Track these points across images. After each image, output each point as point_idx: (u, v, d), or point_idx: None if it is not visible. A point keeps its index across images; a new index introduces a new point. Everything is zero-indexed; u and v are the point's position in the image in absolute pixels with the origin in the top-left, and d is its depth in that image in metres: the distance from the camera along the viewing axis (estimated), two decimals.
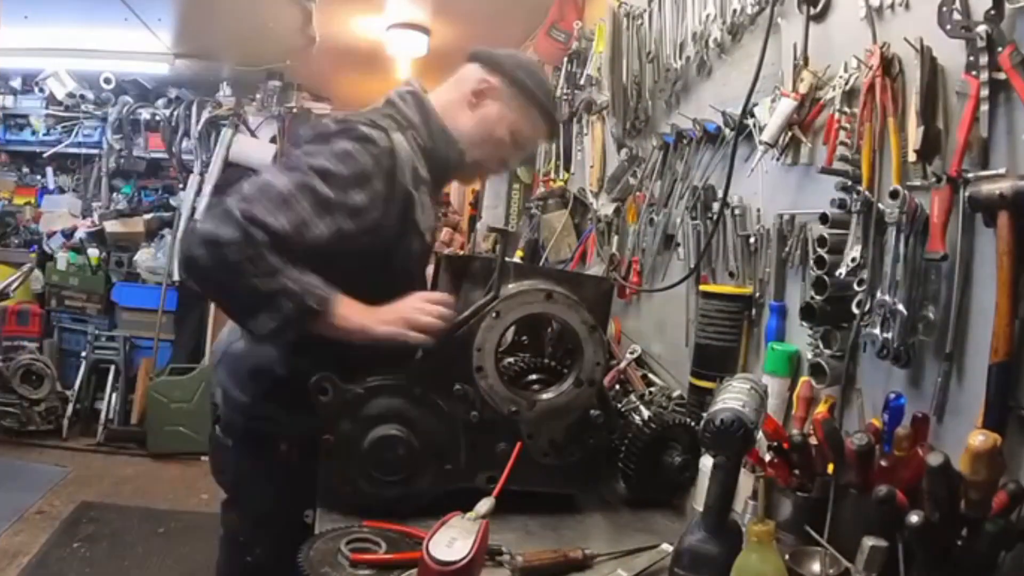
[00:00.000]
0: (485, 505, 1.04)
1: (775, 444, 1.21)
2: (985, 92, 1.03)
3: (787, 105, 1.46)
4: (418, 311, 1.28)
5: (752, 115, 1.61)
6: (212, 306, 4.92)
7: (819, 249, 1.31)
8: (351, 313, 1.26)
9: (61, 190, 5.41)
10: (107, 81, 5.07)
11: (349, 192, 1.28)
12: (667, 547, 1.18)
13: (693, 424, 1.44)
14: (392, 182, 1.32)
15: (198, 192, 4.87)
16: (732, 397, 1.06)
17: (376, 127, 1.34)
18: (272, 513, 1.46)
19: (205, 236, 1.21)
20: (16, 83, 5.12)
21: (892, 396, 1.16)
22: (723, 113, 1.77)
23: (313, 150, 1.31)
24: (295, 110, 5.07)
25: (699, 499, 1.30)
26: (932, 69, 1.14)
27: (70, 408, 4.61)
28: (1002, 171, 1.02)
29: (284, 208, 1.22)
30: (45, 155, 5.23)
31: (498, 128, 1.49)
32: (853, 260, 1.23)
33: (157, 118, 5.10)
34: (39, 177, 5.41)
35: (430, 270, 1.56)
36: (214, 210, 1.26)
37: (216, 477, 1.63)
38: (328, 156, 1.28)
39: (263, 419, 1.44)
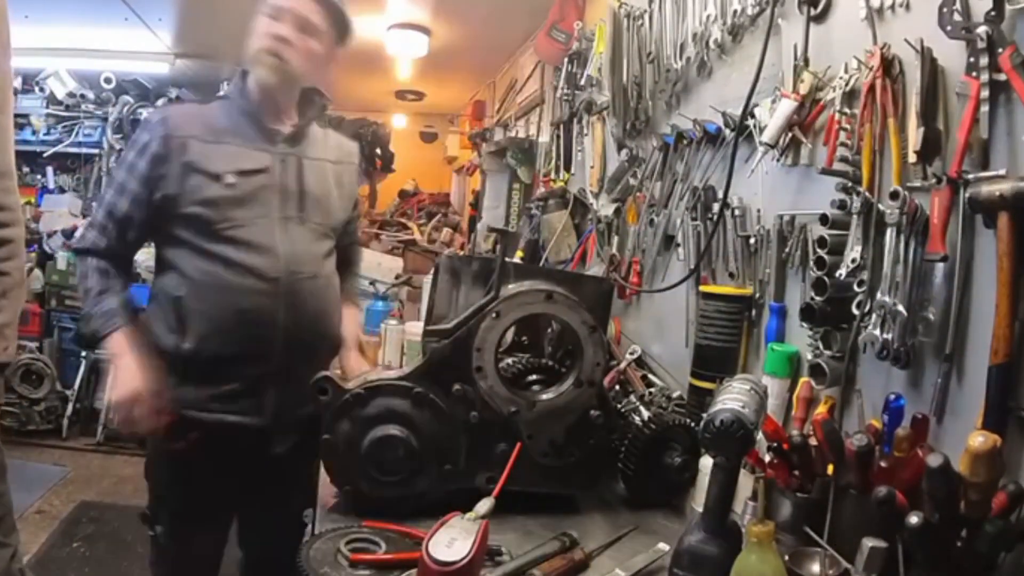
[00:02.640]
0: (485, 505, 1.04)
1: (775, 445, 1.21)
2: (985, 93, 1.03)
3: (787, 106, 1.46)
4: (133, 405, 1.51)
5: (752, 116, 1.61)
6: None
7: (819, 250, 1.31)
8: (118, 354, 1.54)
9: (61, 190, 5.41)
10: (107, 81, 5.08)
11: (134, 164, 1.58)
12: (664, 546, 1.18)
13: (693, 425, 1.44)
14: (167, 138, 1.56)
15: None
16: (732, 398, 1.06)
17: (154, 110, 1.71)
18: (166, 495, 1.67)
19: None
20: (16, 82, 5.10)
21: (892, 397, 1.16)
22: (723, 114, 1.77)
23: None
24: None
25: (699, 500, 1.30)
26: (932, 70, 1.14)
27: (70, 408, 4.60)
28: (1002, 172, 1.02)
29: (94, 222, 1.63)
30: (45, 155, 5.22)
31: (255, 18, 1.61)
32: (853, 261, 1.23)
33: None
34: (39, 177, 5.41)
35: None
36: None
37: None
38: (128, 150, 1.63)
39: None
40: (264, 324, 1.57)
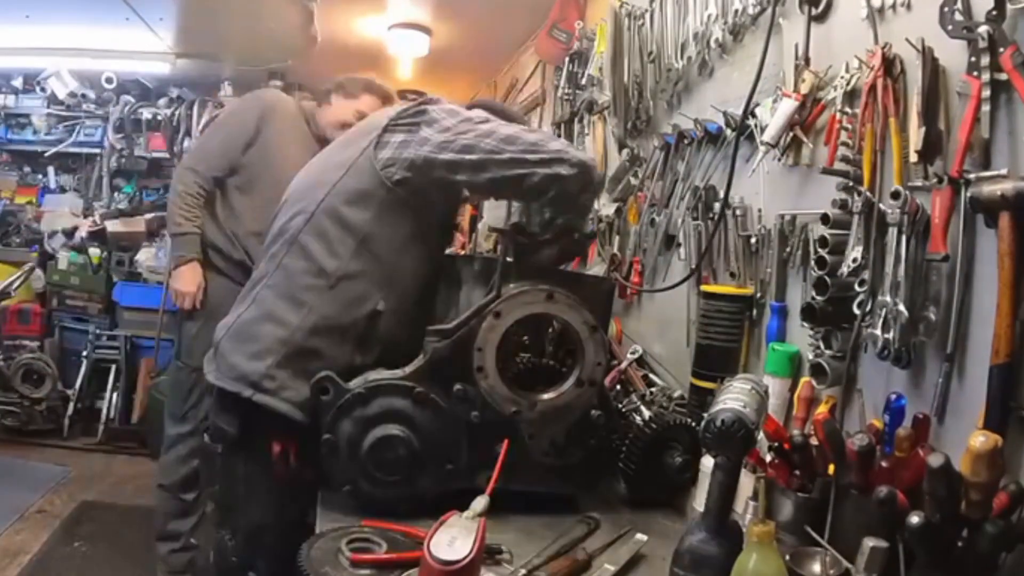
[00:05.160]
0: (481, 503, 1.04)
1: (776, 444, 1.21)
2: (986, 93, 1.03)
3: (788, 105, 1.46)
4: None
5: (753, 115, 1.61)
6: None
7: (820, 250, 1.31)
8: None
9: (63, 189, 5.42)
10: (108, 80, 5.08)
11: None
12: (642, 537, 1.22)
13: (694, 424, 1.44)
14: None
15: None
16: (733, 397, 1.06)
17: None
18: (267, 525, 1.44)
19: None
20: (18, 82, 5.12)
21: (893, 397, 1.16)
22: (724, 113, 1.77)
23: None
24: None
25: (699, 499, 1.30)
26: (934, 70, 1.14)
27: (71, 407, 4.60)
28: (1003, 172, 1.02)
29: None
30: (46, 154, 5.23)
31: None
32: (854, 261, 1.23)
33: (159, 117, 5.10)
34: (40, 176, 5.41)
35: None
36: None
37: (207, 493, 1.58)
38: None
39: (270, 392, 1.36)
40: None
